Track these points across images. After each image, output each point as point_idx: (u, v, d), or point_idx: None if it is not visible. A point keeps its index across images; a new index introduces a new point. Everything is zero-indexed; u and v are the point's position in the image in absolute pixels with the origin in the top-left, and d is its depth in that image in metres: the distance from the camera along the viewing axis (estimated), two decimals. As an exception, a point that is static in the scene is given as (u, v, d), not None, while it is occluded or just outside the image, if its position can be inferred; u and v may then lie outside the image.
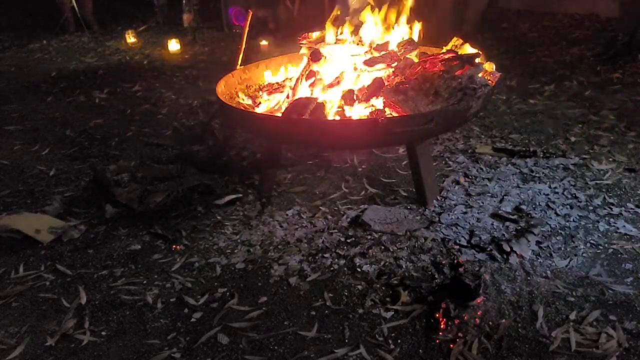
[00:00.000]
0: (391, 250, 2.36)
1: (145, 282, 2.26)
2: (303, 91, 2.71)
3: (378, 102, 2.52)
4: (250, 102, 2.86)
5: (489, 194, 2.76)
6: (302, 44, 2.85)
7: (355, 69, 2.72)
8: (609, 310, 1.96)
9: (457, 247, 2.35)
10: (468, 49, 2.67)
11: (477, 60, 2.52)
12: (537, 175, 2.92)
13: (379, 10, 2.86)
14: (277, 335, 1.94)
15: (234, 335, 1.95)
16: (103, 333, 1.99)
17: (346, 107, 2.56)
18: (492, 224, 2.50)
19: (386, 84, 2.55)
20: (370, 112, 2.48)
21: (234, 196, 2.82)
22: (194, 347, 1.90)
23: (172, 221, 2.68)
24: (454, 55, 2.54)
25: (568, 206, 2.61)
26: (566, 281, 2.12)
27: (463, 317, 1.94)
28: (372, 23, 2.86)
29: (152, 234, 2.59)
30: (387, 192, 2.85)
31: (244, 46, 2.97)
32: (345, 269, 2.26)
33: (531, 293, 2.06)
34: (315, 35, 2.86)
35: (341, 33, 2.86)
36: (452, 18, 5.67)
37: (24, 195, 3.05)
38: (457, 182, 2.89)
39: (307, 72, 2.72)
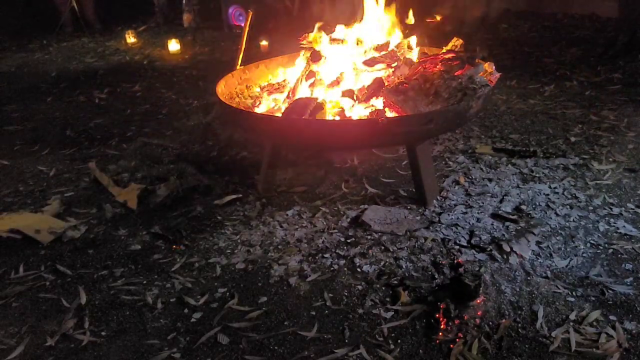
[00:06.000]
0: (391, 250, 2.36)
1: (145, 282, 2.26)
2: (303, 91, 2.71)
3: (378, 102, 2.52)
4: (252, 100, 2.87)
5: (489, 194, 2.75)
6: (302, 44, 2.85)
7: (355, 68, 2.73)
8: (609, 310, 1.95)
9: (457, 247, 2.35)
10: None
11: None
12: (537, 175, 2.92)
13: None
14: (277, 335, 1.94)
15: (234, 335, 1.95)
16: (103, 333, 1.99)
17: (346, 107, 2.56)
18: (492, 224, 2.50)
19: (386, 84, 2.56)
20: (370, 112, 2.48)
21: (234, 196, 2.82)
22: (194, 347, 1.90)
23: (172, 221, 2.68)
24: (454, 55, 2.54)
25: (568, 206, 2.61)
26: (566, 281, 2.12)
27: (463, 317, 1.94)
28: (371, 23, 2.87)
29: (152, 234, 2.59)
30: (387, 192, 2.85)
31: (244, 46, 2.97)
32: (345, 269, 2.26)
33: (531, 293, 2.06)
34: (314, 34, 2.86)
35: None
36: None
37: (24, 195, 3.06)
38: (457, 182, 2.89)
39: (307, 72, 2.72)
